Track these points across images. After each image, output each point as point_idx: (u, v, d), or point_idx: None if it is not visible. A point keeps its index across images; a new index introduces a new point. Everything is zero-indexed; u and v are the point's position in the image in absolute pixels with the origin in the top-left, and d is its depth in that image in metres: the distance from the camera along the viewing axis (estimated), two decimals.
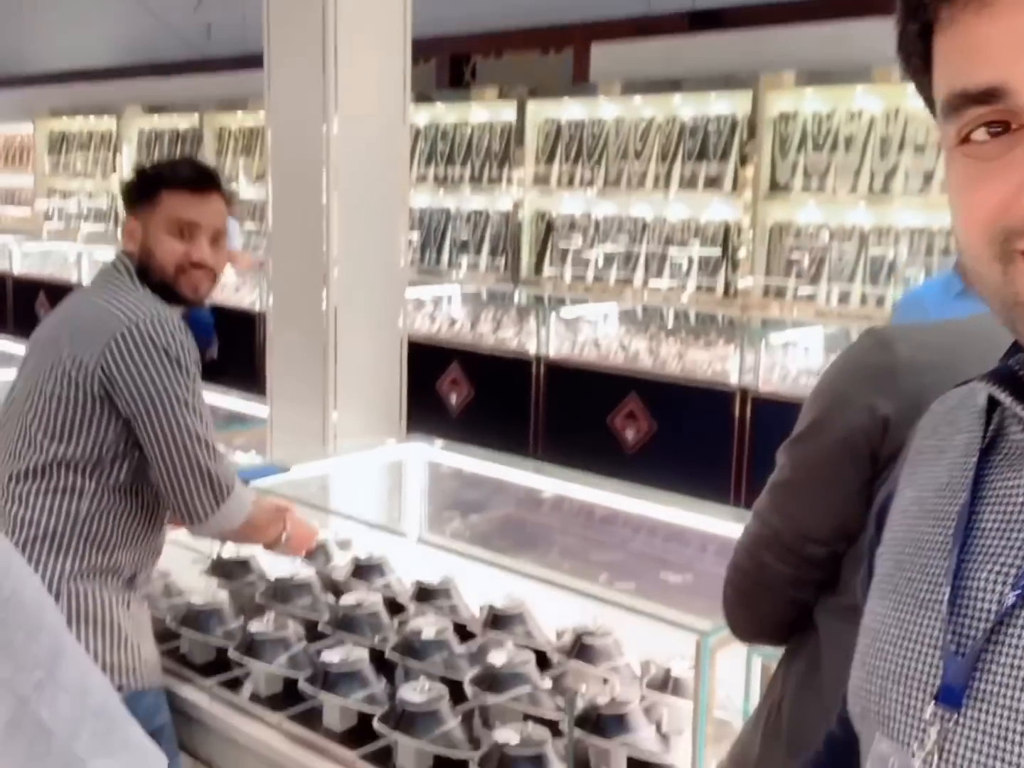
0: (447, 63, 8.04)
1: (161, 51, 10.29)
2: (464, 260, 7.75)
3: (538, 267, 7.34)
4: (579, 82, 7.36)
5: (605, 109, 6.90)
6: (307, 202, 2.84)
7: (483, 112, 7.59)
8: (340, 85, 2.77)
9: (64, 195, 11.59)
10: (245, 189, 9.03)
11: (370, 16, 2.83)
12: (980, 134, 0.61)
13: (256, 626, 1.93)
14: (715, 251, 6.42)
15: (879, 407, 1.18)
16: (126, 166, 10.41)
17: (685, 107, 6.50)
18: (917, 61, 0.65)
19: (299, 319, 2.88)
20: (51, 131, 12.13)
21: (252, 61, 8.20)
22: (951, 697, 0.63)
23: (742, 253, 6.19)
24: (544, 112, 7.22)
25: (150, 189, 1.94)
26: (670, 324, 6.19)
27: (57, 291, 7.49)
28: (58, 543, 1.78)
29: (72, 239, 10.59)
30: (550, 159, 7.18)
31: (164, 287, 1.92)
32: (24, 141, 12.70)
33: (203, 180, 1.96)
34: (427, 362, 5.69)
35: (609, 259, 6.92)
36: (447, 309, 6.63)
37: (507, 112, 7.36)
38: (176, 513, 1.82)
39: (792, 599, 1.31)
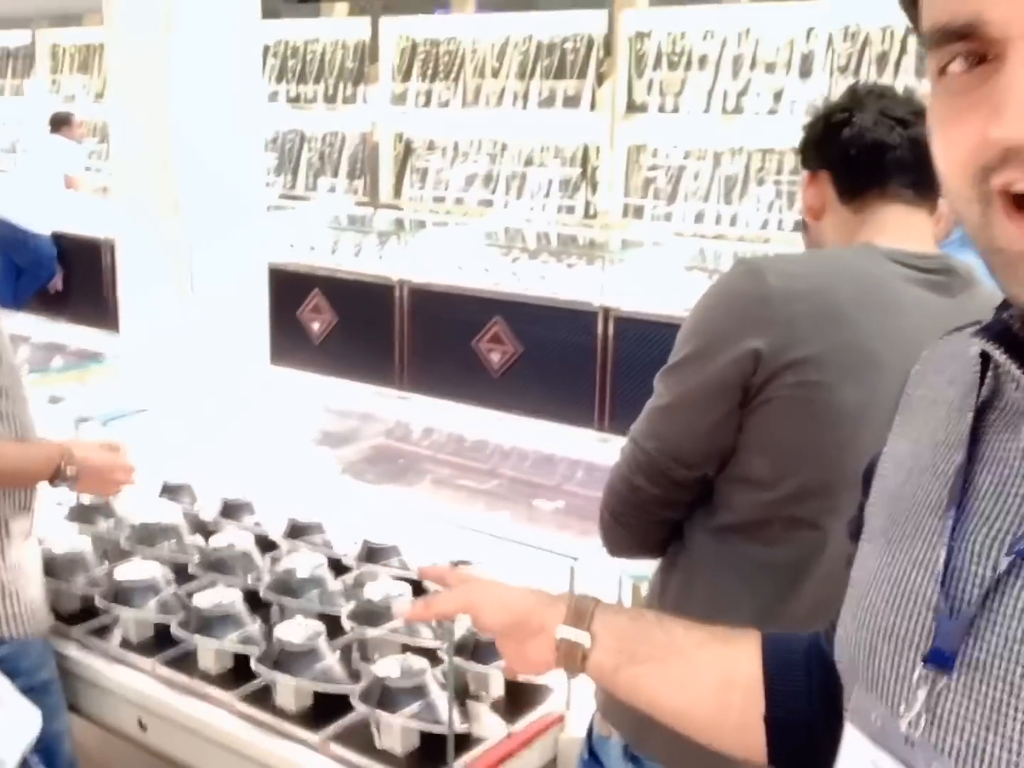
0: None
1: None
2: (321, 183, 7.56)
3: (397, 189, 7.23)
4: None
5: (462, 27, 6.78)
6: (152, 124, 2.70)
7: (334, 29, 7.36)
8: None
9: None
10: (86, 109, 8.56)
11: None
12: (956, 65, 0.59)
13: (122, 572, 1.88)
14: (574, 171, 6.43)
15: (751, 341, 1.22)
16: None
17: (541, 25, 6.43)
18: None
19: (151, 250, 2.75)
20: None
21: None
22: (942, 660, 0.62)
23: (602, 173, 6.22)
24: (398, 30, 7.05)
25: None
26: (532, 245, 6.20)
27: None
28: None
29: None
30: (406, 78, 7.04)
31: None
32: None
33: None
34: (287, 290, 5.56)
35: (469, 180, 6.86)
36: (305, 234, 6.48)
37: (360, 29, 7.15)
38: None
39: (664, 519, 1.37)
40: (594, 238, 6.22)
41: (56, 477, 1.82)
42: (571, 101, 6.38)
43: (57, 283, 7.09)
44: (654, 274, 5.05)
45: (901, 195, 1.36)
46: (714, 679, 0.90)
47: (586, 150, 6.40)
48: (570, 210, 6.53)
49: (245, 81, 2.78)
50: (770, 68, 5.48)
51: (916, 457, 0.71)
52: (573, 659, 0.91)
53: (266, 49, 7.63)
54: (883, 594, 0.68)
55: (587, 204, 6.45)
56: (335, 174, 7.54)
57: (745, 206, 5.60)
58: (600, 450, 2.16)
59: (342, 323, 5.75)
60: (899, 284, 1.28)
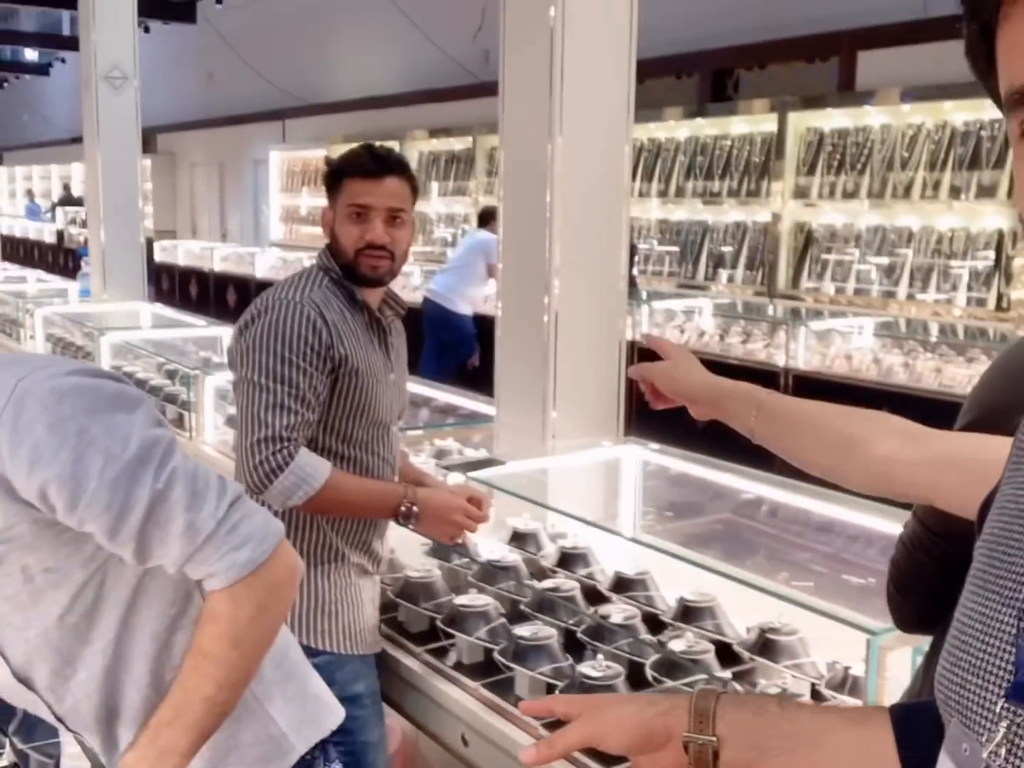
0: (710, 77, 8.06)
1: (442, 78, 10.93)
2: (721, 273, 7.73)
3: (795, 280, 7.22)
4: (845, 90, 7.18)
5: (871, 117, 6.70)
6: (533, 215, 2.99)
7: (743, 125, 7.57)
8: (565, 108, 2.92)
9: None
10: None
11: (597, 43, 2.96)
12: None
13: (462, 600, 2.10)
14: (987, 261, 6.09)
15: None
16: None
17: (957, 113, 6.21)
18: (982, 62, 0.67)
19: (523, 326, 3.02)
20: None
21: None
22: (1022, 694, 0.64)
23: (1017, 263, 5.84)
24: (806, 122, 7.10)
25: (334, 179, 2.08)
26: (934, 337, 5.92)
27: None
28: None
29: None
30: (811, 170, 7.06)
31: (348, 270, 2.05)
32: (318, 165, 13.81)
33: (377, 165, 2.05)
34: None
35: (871, 272, 6.71)
36: (697, 320, 6.65)
37: (768, 124, 7.30)
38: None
39: (942, 592, 1.33)
40: (1006, 332, 5.83)
41: (399, 515, 2.05)
42: (986, 191, 6.07)
43: (475, 360, 7.80)
44: None
45: None
46: (847, 764, 0.89)
47: (1001, 238, 6.04)
48: (980, 302, 6.17)
49: (614, 180, 3.01)
50: None
51: (1017, 501, 0.72)
52: (704, 763, 0.90)
53: (676, 146, 8.01)
54: (975, 632, 0.70)
55: (999, 296, 6.07)
56: (735, 264, 7.68)
57: None
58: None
59: None
60: None
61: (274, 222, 14.76)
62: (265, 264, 11.72)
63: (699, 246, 7.94)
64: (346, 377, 2.00)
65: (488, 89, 10.36)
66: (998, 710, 0.65)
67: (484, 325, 7.92)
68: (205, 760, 1.28)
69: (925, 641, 1.59)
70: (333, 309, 2.02)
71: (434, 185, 10.88)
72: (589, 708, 0.96)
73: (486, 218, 8.14)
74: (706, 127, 7.80)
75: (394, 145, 11.55)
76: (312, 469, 1.90)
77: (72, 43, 19.65)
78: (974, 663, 0.69)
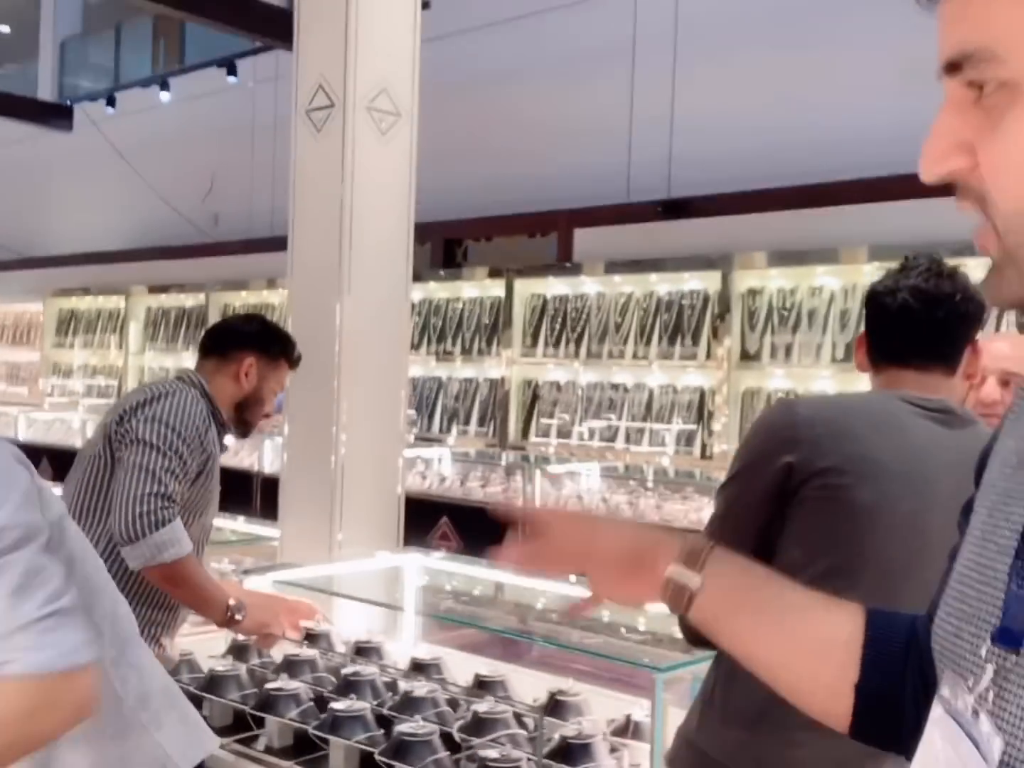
0: (441, 245, 8.66)
1: (171, 236, 10.99)
2: (455, 426, 8.15)
3: (524, 432, 7.73)
4: (562, 262, 7.96)
5: (587, 286, 7.45)
6: (320, 370, 3.27)
7: (474, 289, 8.16)
8: (353, 267, 3.24)
9: (66, 373, 12.02)
10: None
11: (380, 210, 3.33)
12: None
13: (271, 684, 2.20)
14: (691, 425, 6.82)
15: (784, 457, 1.55)
16: (132, 342, 10.94)
17: (661, 284, 7.03)
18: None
19: (310, 475, 3.24)
20: (59, 309, 12.72)
21: (257, 246, 8.79)
22: (1008, 638, 0.63)
23: (718, 422, 6.59)
24: (530, 289, 7.78)
25: (278, 351, 2.50)
26: (650, 482, 6.53)
27: (61, 457, 7.81)
28: None
29: (74, 410, 10.96)
30: (536, 332, 7.69)
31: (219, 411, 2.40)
32: (32, 319, 13.28)
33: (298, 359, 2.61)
34: (419, 516, 5.97)
35: (592, 430, 7.33)
36: (437, 468, 6.96)
37: (496, 289, 7.92)
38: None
39: None
40: (711, 475, 6.52)
41: (229, 610, 2.21)
42: (688, 353, 6.87)
43: None
44: None
45: (915, 364, 1.66)
46: (814, 640, 0.90)
47: (703, 396, 6.82)
48: (688, 452, 6.87)
49: (396, 338, 3.35)
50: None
51: (1019, 454, 0.72)
52: (679, 600, 0.90)
53: (412, 307, 8.47)
54: (971, 581, 0.71)
55: (703, 446, 6.80)
56: (467, 419, 8.13)
57: None
58: None
59: (467, 549, 6.10)
60: (905, 415, 1.59)
61: None
62: None
63: (434, 400, 8.34)
64: (205, 475, 2.22)
65: (221, 248, 10.48)
66: (983, 654, 0.65)
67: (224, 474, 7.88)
68: None
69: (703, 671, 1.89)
70: (211, 417, 2.36)
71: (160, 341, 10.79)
72: (586, 526, 0.97)
73: None
74: (438, 291, 8.33)
75: (120, 300, 11.38)
76: (184, 536, 2.06)
77: None
78: (968, 612, 0.69)
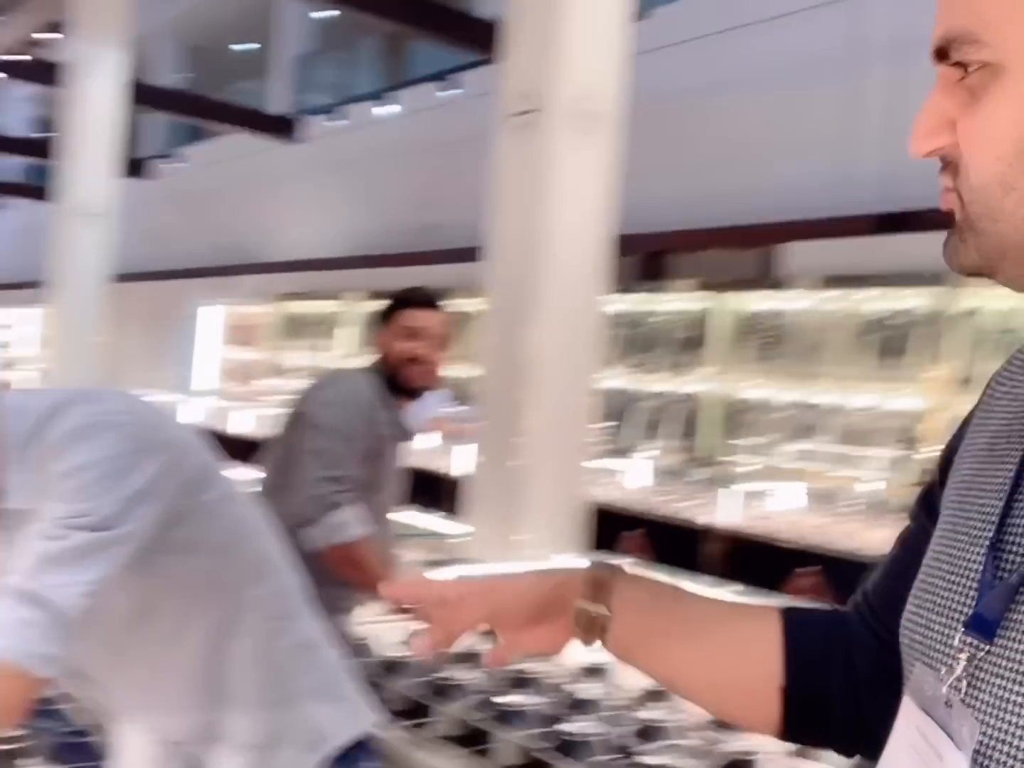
0: (644, 257, 8.62)
1: (386, 244, 11.41)
2: (649, 439, 8.08)
3: (720, 449, 7.59)
4: (769, 277, 7.76)
5: (795, 302, 7.24)
6: (510, 378, 3.32)
7: (675, 303, 8.08)
8: (548, 276, 3.26)
9: (285, 373, 12.65)
10: (448, 369, 9.75)
11: (579, 218, 3.34)
12: None
13: (443, 674, 2.25)
14: (898, 451, 6.49)
15: None
16: (345, 345, 11.43)
17: (875, 301, 6.75)
18: None
19: (495, 478, 3.30)
20: (284, 313, 13.44)
21: (464, 255, 9.04)
22: (982, 625, 0.64)
23: (929, 449, 6.25)
24: (734, 303, 7.63)
25: (393, 307, 2.50)
26: (849, 507, 6.26)
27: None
28: None
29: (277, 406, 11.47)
30: (737, 348, 7.53)
31: (391, 376, 2.43)
32: (259, 321, 14.08)
33: (429, 299, 2.57)
34: (609, 527, 5.96)
35: (791, 450, 7.10)
36: (629, 480, 6.93)
37: (698, 303, 7.82)
38: None
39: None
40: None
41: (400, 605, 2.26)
42: (900, 376, 6.56)
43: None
44: None
45: None
46: (732, 651, 0.89)
47: (913, 422, 6.49)
48: (893, 477, 6.55)
49: (588, 350, 3.35)
50: None
51: (992, 448, 0.73)
52: (591, 634, 0.88)
53: (610, 319, 8.48)
54: (941, 572, 0.71)
55: (911, 472, 6.47)
56: (662, 432, 8.04)
57: None
58: None
59: (658, 561, 6.03)
60: None
61: (206, 373, 14.86)
62: (191, 412, 11.79)
63: (629, 414, 8.30)
64: (377, 454, 2.29)
65: (428, 257, 10.79)
66: (956, 643, 0.66)
67: (419, 475, 8.09)
68: (256, 747, 1.40)
69: None
70: (380, 396, 2.41)
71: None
72: (485, 588, 0.93)
73: None
74: (639, 303, 8.30)
75: (332, 304, 11.91)
76: (360, 519, 2.14)
77: (23, 190, 19.93)
78: (939, 603, 0.70)
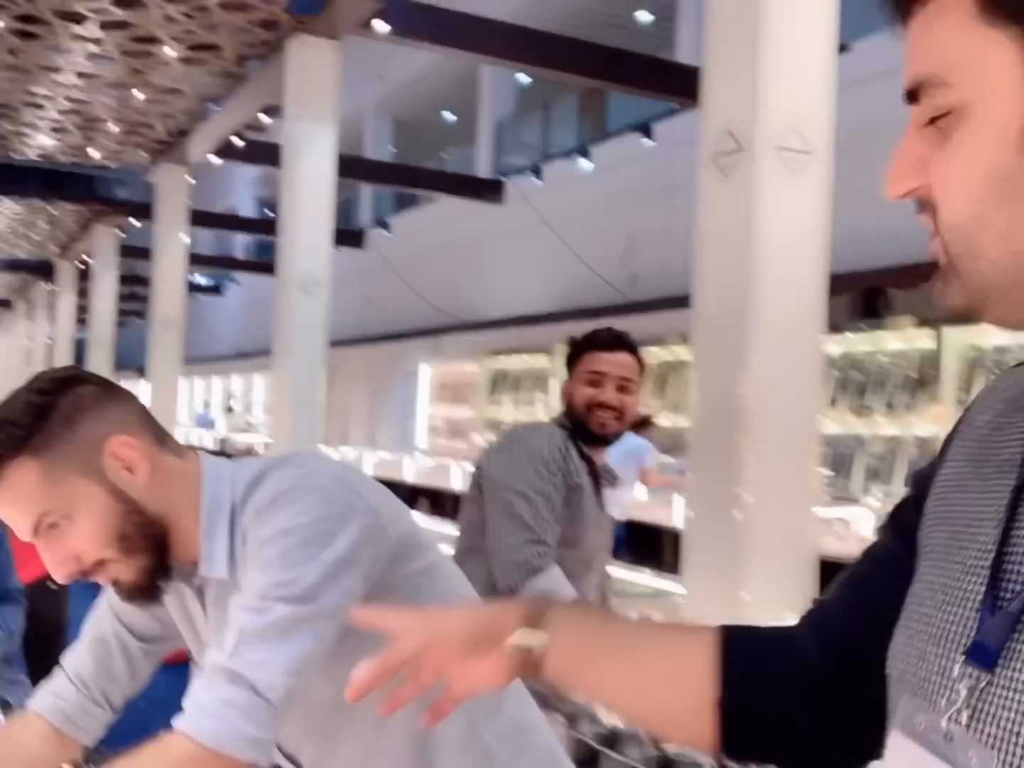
0: (861, 295, 8.25)
1: (591, 298, 11.45)
2: (875, 485, 7.65)
3: None
4: None
5: None
6: (725, 425, 3.17)
7: (898, 341, 7.66)
8: (760, 318, 3.11)
9: (497, 427, 12.84)
10: (659, 418, 9.62)
11: (790, 257, 3.19)
12: None
13: (671, 747, 2.12)
14: None
15: None
16: (554, 399, 11.47)
17: None
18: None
19: (714, 531, 3.15)
20: (491, 369, 13.68)
21: (671, 303, 8.89)
22: (982, 655, 0.63)
23: None
24: (965, 339, 7.16)
25: (574, 353, 2.39)
26: None
27: None
28: None
29: None
30: (969, 386, 7.05)
31: (578, 424, 2.29)
32: (468, 378, 14.40)
33: (611, 340, 2.38)
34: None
35: None
36: (858, 529, 6.55)
37: (924, 341, 7.38)
38: None
39: None
40: None
41: None
42: None
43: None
44: None
45: None
46: (668, 670, 0.89)
47: None
48: None
49: (807, 393, 3.18)
50: None
51: (982, 479, 0.72)
52: (528, 665, 0.88)
53: (831, 361, 8.14)
54: (936, 602, 0.70)
55: None
56: (889, 478, 7.60)
57: None
58: None
59: None
60: None
61: (421, 431, 15.28)
62: (413, 469, 12.10)
63: (852, 459, 7.91)
64: (573, 506, 2.17)
65: (634, 307, 10.73)
66: (955, 673, 0.64)
67: (631, 529, 7.97)
68: None
69: None
70: (571, 449, 2.26)
71: None
72: (423, 620, 0.93)
73: (640, 425, 8.32)
74: (858, 343, 7.92)
75: (542, 358, 12.02)
76: (563, 583, 2.04)
77: (246, 265, 21.31)
78: (934, 632, 0.68)
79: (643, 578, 3.67)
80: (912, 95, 0.67)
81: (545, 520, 2.11)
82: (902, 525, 0.81)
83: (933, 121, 0.66)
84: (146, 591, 1.26)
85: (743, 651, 0.88)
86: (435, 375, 15.24)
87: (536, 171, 12.96)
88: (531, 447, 2.18)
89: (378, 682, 0.91)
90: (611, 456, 6.65)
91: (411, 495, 11.02)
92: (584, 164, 12.07)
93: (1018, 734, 0.59)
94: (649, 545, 7.49)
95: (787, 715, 0.85)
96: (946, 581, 0.70)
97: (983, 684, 0.62)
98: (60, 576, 1.23)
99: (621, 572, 3.77)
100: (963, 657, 0.64)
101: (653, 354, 10.28)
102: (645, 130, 11.06)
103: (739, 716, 0.86)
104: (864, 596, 0.82)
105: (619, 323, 8.64)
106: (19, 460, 1.18)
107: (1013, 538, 0.65)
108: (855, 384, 7.95)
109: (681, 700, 0.88)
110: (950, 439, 0.80)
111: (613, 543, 2.55)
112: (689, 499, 3.43)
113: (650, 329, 10.54)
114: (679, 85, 7.72)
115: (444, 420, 14.95)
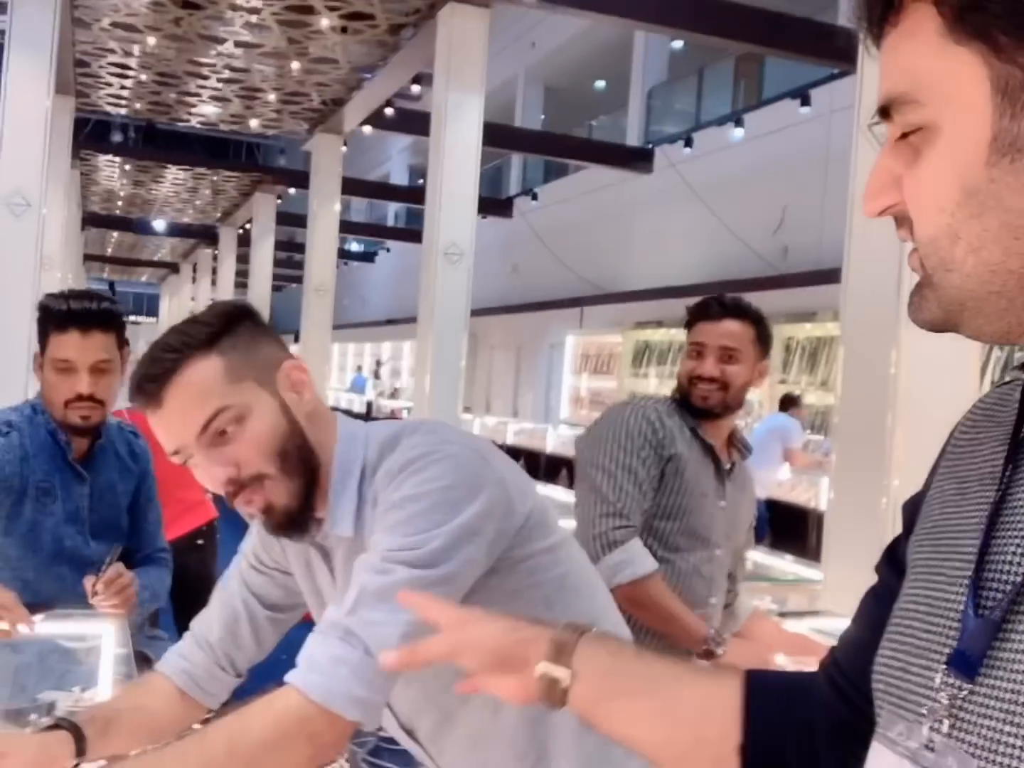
0: None
1: (741, 270, 11.20)
2: None
3: None
4: None
5: None
6: (873, 404, 3.04)
7: None
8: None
9: None
10: (808, 395, 9.36)
11: None
12: None
13: None
14: None
15: None
16: None
17: None
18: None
19: (858, 517, 3.04)
20: (636, 341, 13.56)
21: (824, 277, 8.59)
22: (964, 663, 0.63)
23: None
24: None
25: (687, 324, 2.25)
26: None
27: None
28: None
29: None
30: None
31: (684, 397, 2.20)
32: (612, 350, 14.32)
33: (716, 310, 2.20)
34: None
35: None
36: None
37: None
38: None
39: None
40: None
41: (701, 652, 2.04)
42: None
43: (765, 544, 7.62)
44: None
45: None
46: (691, 712, 0.89)
47: None
48: None
49: (960, 383, 3.01)
50: None
51: (963, 494, 0.73)
52: (553, 694, 0.89)
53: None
54: (919, 614, 0.71)
55: None
56: None
57: None
58: None
59: None
60: None
61: (564, 402, 15.31)
62: (555, 440, 12.13)
63: None
64: (671, 477, 2.11)
65: (785, 281, 10.39)
66: (937, 683, 0.65)
67: (777, 508, 7.79)
68: None
69: None
70: (673, 421, 2.17)
71: None
72: (457, 621, 0.95)
73: (786, 403, 8.12)
74: None
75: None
76: (642, 556, 2.05)
77: (398, 233, 21.71)
78: (918, 644, 0.69)
79: (782, 563, 3.55)
80: (884, 112, 0.69)
81: (627, 493, 2.05)
82: (894, 559, 0.83)
83: (905, 136, 0.67)
84: (295, 521, 1.26)
85: (765, 697, 0.89)
86: (578, 345, 15.21)
87: (687, 140, 12.71)
88: (615, 422, 2.13)
89: (413, 663, 0.95)
90: (754, 433, 6.59)
91: (552, 466, 11.05)
92: (736, 132, 11.76)
93: (999, 742, 0.60)
94: (793, 528, 7.30)
95: (810, 761, 0.86)
96: (929, 594, 0.71)
97: (964, 693, 0.63)
98: (215, 486, 1.24)
99: (758, 555, 3.67)
100: (945, 667, 0.65)
101: (804, 329, 10.00)
102: (803, 97, 10.69)
103: (759, 761, 0.87)
104: (869, 636, 0.81)
105: (769, 297, 8.44)
106: (207, 356, 1.22)
107: (994, 547, 0.66)
108: (1019, 363, 7.54)
109: (704, 743, 0.89)
110: (938, 461, 0.81)
111: (755, 523, 2.46)
112: (833, 482, 3.32)
113: (801, 304, 10.26)
114: (839, 49, 7.39)
115: (587, 391, 14.92)
